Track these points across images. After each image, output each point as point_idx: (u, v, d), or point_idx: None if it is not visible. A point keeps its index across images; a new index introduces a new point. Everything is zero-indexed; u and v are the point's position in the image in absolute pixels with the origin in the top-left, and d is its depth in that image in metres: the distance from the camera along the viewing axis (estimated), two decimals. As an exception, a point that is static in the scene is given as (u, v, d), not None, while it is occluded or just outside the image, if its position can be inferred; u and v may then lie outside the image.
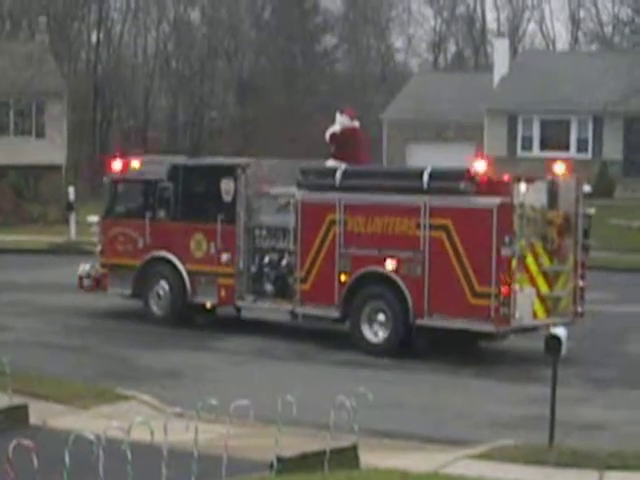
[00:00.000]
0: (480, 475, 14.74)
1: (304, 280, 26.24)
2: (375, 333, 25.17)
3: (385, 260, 24.90)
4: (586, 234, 25.71)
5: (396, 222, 24.98)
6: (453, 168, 26.22)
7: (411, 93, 71.67)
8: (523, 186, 24.30)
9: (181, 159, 34.24)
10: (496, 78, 66.17)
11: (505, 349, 25.28)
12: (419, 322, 24.54)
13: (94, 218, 31.69)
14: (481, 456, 16.22)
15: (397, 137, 68.60)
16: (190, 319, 28.56)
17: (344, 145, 28.39)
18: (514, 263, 23.65)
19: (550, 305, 24.62)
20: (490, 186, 24.18)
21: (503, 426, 18.22)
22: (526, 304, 23.97)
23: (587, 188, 26.15)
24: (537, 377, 19.96)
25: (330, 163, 27.83)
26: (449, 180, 25.09)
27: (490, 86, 65.21)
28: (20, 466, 10.56)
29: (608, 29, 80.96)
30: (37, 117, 63.61)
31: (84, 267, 30.37)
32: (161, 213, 28.80)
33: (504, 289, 23.33)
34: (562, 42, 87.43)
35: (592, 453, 15.59)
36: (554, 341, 16.48)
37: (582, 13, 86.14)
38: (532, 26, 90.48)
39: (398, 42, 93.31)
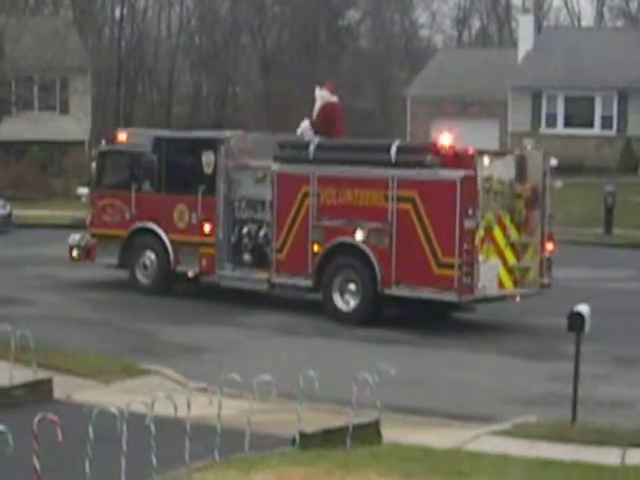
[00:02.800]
0: (503, 452, 14.75)
1: (280, 250, 26.99)
2: (346, 302, 25.91)
3: (356, 232, 25.56)
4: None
5: (366, 194, 25.72)
6: (420, 142, 26.91)
7: (435, 69, 71.46)
8: (487, 159, 25.09)
9: (165, 132, 35.45)
10: (520, 54, 65.91)
11: (527, 326, 25.26)
12: (387, 291, 25.23)
13: (84, 190, 32.37)
14: (503, 432, 16.22)
15: (421, 113, 68.40)
16: (173, 288, 29.29)
17: (323, 118, 29.03)
18: (478, 234, 24.30)
19: (518, 276, 25.55)
20: (455, 159, 24.78)
21: (525, 403, 18.21)
22: (490, 274, 24.73)
23: (554, 162, 26.65)
24: (559, 354, 19.93)
25: (304, 125, 28.73)
26: (416, 153, 25.92)
27: (514, 62, 64.96)
28: (44, 440, 10.61)
29: (633, 4, 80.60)
30: (61, 92, 63.69)
31: (74, 237, 31.02)
32: (146, 185, 29.51)
33: (467, 256, 24.00)
34: (587, 18, 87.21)
35: (615, 430, 15.57)
36: (577, 318, 16.46)
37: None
38: (557, 2, 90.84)
39: (422, 18, 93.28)
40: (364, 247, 25.57)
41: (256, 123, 61.75)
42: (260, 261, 27.75)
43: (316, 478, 12.62)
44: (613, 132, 60.17)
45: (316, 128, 28.74)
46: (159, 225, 28.94)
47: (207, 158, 28.36)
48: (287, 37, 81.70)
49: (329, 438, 14.69)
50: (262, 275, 27.63)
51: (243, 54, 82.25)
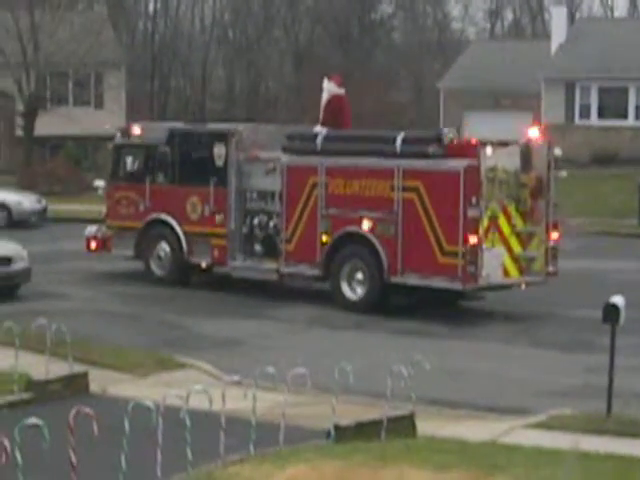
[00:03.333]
0: (537, 444, 14.72)
1: (289, 240, 27.52)
2: (354, 291, 26.44)
3: (362, 221, 26.14)
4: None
5: (372, 184, 26.26)
6: (424, 133, 27.84)
7: (468, 62, 71.33)
8: (490, 150, 25.53)
9: (178, 125, 35.11)
10: (553, 46, 65.69)
11: (559, 317, 25.19)
12: (393, 280, 25.79)
13: (100, 182, 32.90)
14: (538, 425, 16.20)
15: (454, 106, 68.32)
16: (188, 279, 29.67)
17: (330, 111, 29.33)
18: (482, 223, 24.82)
19: (524, 265, 26.07)
20: (459, 150, 25.46)
21: (560, 395, 18.16)
22: (495, 263, 25.25)
23: (558, 152, 26.89)
24: (594, 346, 19.87)
25: (317, 129, 28.75)
26: (420, 144, 26.20)
27: (547, 54, 64.75)
28: (81, 433, 10.66)
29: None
30: (96, 87, 63.96)
31: (90, 229, 31.57)
32: (160, 177, 30.05)
33: (471, 246, 24.45)
34: (620, 9, 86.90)
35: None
36: (612, 310, 16.41)
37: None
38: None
39: (455, 10, 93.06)
40: (371, 236, 26.03)
41: (289, 117, 61.75)
42: (270, 251, 28.14)
43: (351, 471, 12.62)
44: (647, 123, 60.05)
45: (324, 120, 29.10)
46: (173, 217, 29.38)
47: (219, 150, 28.83)
48: (320, 31, 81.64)
49: (364, 431, 14.70)
50: (272, 265, 28.03)
51: (276, 48, 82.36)
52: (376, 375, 15.86)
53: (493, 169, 25.51)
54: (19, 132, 59.02)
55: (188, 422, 12.22)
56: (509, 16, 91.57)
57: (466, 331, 24.26)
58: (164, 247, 29.45)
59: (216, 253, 28.79)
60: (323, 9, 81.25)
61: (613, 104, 60.83)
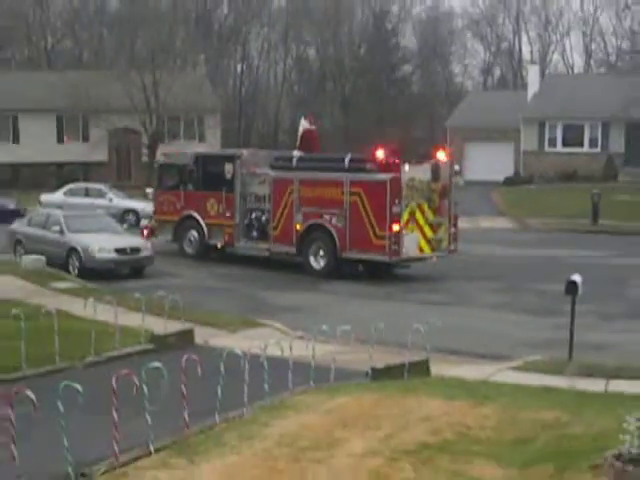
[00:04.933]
0: (516, 382, 14.68)
1: (275, 228, 28.86)
2: (318, 262, 27.77)
3: (323, 215, 27.56)
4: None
5: (329, 190, 27.54)
6: (363, 155, 28.19)
7: (467, 106, 70.88)
8: (407, 166, 26.55)
9: (201, 150, 38.08)
10: (529, 95, 65.22)
11: (532, 290, 25.06)
12: (344, 255, 27.17)
13: (150, 189, 34.92)
14: (517, 368, 16.14)
15: (457, 139, 67.84)
16: (209, 255, 30.78)
17: (304, 140, 31.26)
18: (403, 217, 26.06)
19: (434, 244, 27.21)
20: (386, 166, 26.37)
21: (533, 346, 18.09)
22: (412, 243, 26.57)
23: (457, 167, 29.22)
24: (558, 311, 19.72)
25: (294, 152, 30.35)
26: (361, 163, 27.30)
27: (525, 101, 64.24)
28: (189, 373, 10.73)
29: (612, 57, 79.45)
30: (199, 126, 64.10)
31: (144, 222, 34.52)
32: (189, 186, 31.35)
33: (394, 233, 25.89)
34: (578, 67, 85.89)
35: (601, 366, 15.43)
36: (573, 284, 16.35)
37: (593, 46, 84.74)
38: (556, 56, 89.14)
39: (457, 69, 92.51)
40: (328, 226, 27.39)
41: (337, 147, 61.46)
42: (263, 236, 29.40)
43: (382, 400, 12.63)
44: (598, 150, 59.49)
45: (299, 146, 31.01)
46: (198, 213, 30.79)
47: (228, 168, 30.28)
48: (360, 85, 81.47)
49: (392, 372, 14.75)
50: (264, 245, 29.33)
51: (328, 96, 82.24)
52: (401, 331, 15.82)
53: (412, 179, 26.57)
54: (145, 159, 59.22)
55: (266, 365, 12.26)
56: (497, 73, 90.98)
57: (464, 300, 24.18)
58: (193, 233, 30.96)
59: (227, 237, 30.22)
60: (362, 68, 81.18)
61: (572, 137, 60.39)
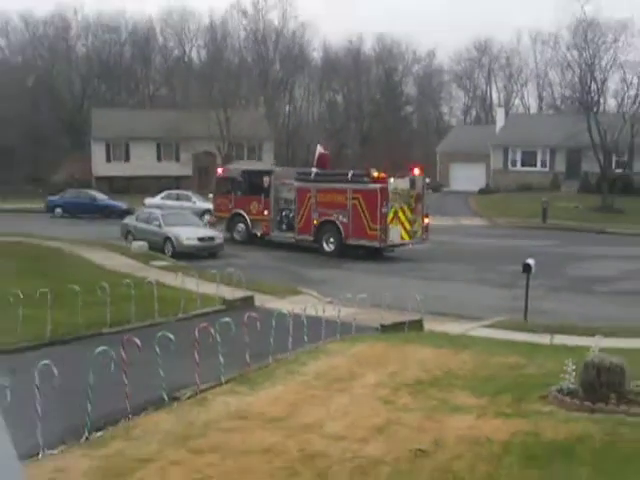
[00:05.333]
0: (487, 336, 14.63)
1: (299, 223, 29.19)
2: (329, 247, 28.21)
3: (333, 214, 27.93)
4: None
5: (337, 196, 27.87)
6: (362, 171, 28.82)
7: (452, 137, 70.33)
8: (392, 179, 27.04)
9: (246, 167, 37.77)
10: (497, 128, 64.63)
11: (497, 270, 24.90)
12: (347, 242, 27.64)
13: (210, 195, 34.95)
14: (487, 326, 16.08)
15: (444, 161, 67.44)
16: (252, 240, 30.79)
17: (319, 160, 31.38)
18: (390, 215, 26.74)
19: (412, 234, 27.74)
20: (377, 180, 26.91)
21: (499, 311, 17.96)
22: (396, 233, 27.16)
23: (427, 180, 29.40)
24: (517, 285, 19.59)
25: (312, 169, 30.42)
26: (359, 176, 27.70)
27: (494, 132, 63.65)
28: (250, 327, 10.77)
29: (558, 101, 78.62)
30: (258, 150, 64.04)
31: (206, 217, 35.04)
32: (238, 192, 31.48)
33: (383, 226, 26.57)
34: (533, 109, 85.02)
35: (548, 325, 15.34)
36: (527, 265, 16.26)
37: (544, 93, 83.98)
38: (517, 101, 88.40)
39: (445, 110, 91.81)
40: (336, 221, 27.81)
41: (358, 167, 61.24)
42: (290, 228, 29.69)
43: (389, 347, 12.62)
44: (547, 169, 58.90)
45: (315, 165, 31.09)
46: (244, 211, 30.94)
47: (266, 179, 30.58)
48: (374, 122, 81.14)
49: (396, 327, 14.73)
50: (291, 235, 29.58)
51: (350, 131, 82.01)
52: (404, 298, 15.80)
53: (395, 188, 27.09)
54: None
55: (305, 322, 12.29)
56: (474, 112, 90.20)
57: (449, 277, 24.05)
58: (241, 226, 31.14)
59: (264, 228, 30.42)
60: (376, 110, 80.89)
61: (528, 159, 59.78)
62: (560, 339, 13.84)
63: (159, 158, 61.87)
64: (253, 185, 30.91)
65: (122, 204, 43.02)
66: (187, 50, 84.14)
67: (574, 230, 39.29)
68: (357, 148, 79.13)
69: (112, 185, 57.66)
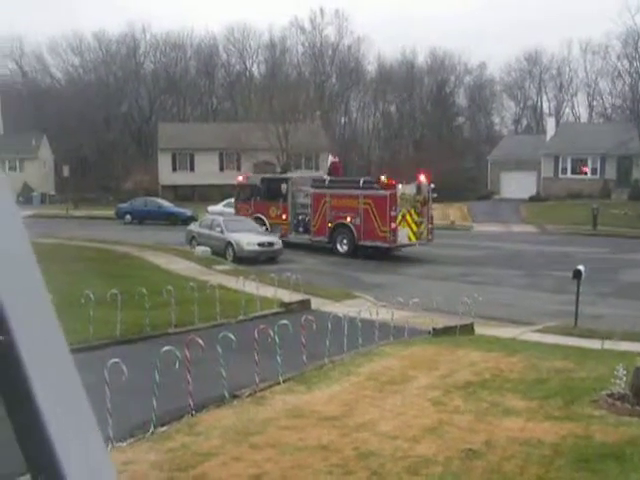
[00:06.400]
0: (537, 341, 14.38)
1: (314, 225, 30.04)
2: (342, 248, 29.00)
3: (346, 217, 28.76)
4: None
5: (350, 201, 28.67)
6: (372, 178, 30.20)
7: (503, 145, 69.31)
8: (401, 185, 28.01)
9: (266, 174, 38.82)
10: (548, 137, 63.56)
11: (549, 275, 24.44)
12: (359, 243, 28.42)
13: (231, 200, 35.76)
14: (537, 330, 15.82)
15: (495, 169, 66.46)
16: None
17: (332, 169, 32.92)
18: (398, 218, 27.58)
19: (418, 235, 28.53)
20: (387, 186, 27.89)
21: (549, 315, 17.66)
22: (404, 235, 28.01)
23: (432, 185, 29.48)
24: (566, 290, 19.20)
25: (325, 176, 31.90)
26: (370, 183, 28.71)
27: (544, 141, 62.56)
28: (307, 330, 10.77)
29: (609, 110, 77.00)
30: (315, 160, 64.19)
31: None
32: (257, 198, 32.11)
33: (392, 228, 27.41)
34: (583, 118, 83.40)
35: (598, 331, 15.02)
36: (578, 272, 15.92)
37: (594, 103, 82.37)
38: (567, 110, 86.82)
39: (496, 120, 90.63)
40: (349, 224, 28.64)
41: (410, 173, 60.85)
42: (306, 231, 30.43)
43: (440, 350, 12.50)
44: (597, 176, 57.65)
45: (328, 172, 32.71)
46: (264, 215, 31.57)
47: (284, 186, 31.33)
48: (427, 132, 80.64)
49: (447, 331, 14.58)
50: (307, 237, 30.32)
51: (404, 140, 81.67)
52: (454, 302, 15.63)
53: (403, 194, 27.97)
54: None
55: (360, 325, 12.25)
56: (524, 122, 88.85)
57: (501, 282, 23.71)
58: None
59: (283, 231, 30.83)
60: (428, 120, 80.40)
61: (578, 167, 58.68)
62: (610, 344, 13.51)
63: (222, 168, 62.56)
64: (272, 191, 31.85)
65: (187, 211, 43.58)
66: (248, 65, 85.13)
67: (624, 237, 38.35)
68: (410, 157, 78.82)
69: (177, 193, 58.56)
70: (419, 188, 28.79)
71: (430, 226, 29.02)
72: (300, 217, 30.99)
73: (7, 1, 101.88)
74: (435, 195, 29.98)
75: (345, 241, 28.95)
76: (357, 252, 28.38)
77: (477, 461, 6.92)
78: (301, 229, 30.82)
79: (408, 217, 28.14)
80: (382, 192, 27.75)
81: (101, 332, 13.55)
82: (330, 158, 34.13)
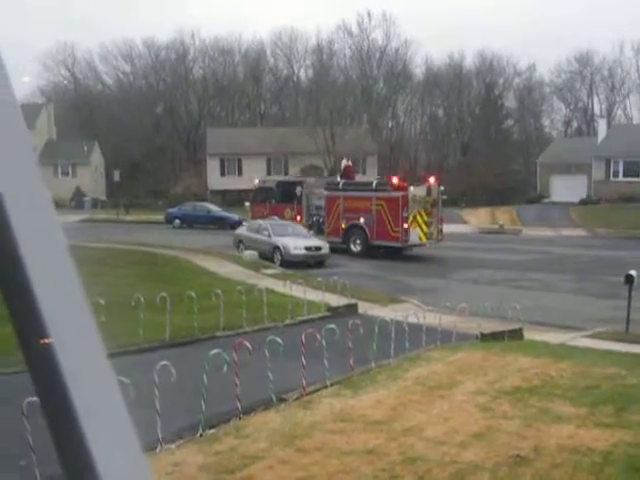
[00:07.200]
0: (587, 346, 14.14)
1: (328, 227, 31.02)
2: (356, 248, 29.90)
3: (359, 218, 29.67)
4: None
5: (363, 203, 29.59)
6: (384, 179, 31.53)
7: (552, 149, 68.30)
8: (412, 188, 29.02)
9: (281, 177, 40.64)
10: (599, 140, 62.44)
11: (598, 279, 23.98)
12: (372, 243, 29.39)
13: (247, 203, 36.69)
14: (587, 336, 15.57)
15: (545, 173, 65.51)
16: None
17: (345, 172, 33.89)
18: (409, 219, 28.45)
19: (428, 236, 29.31)
20: (399, 187, 28.83)
21: (599, 321, 17.33)
22: (415, 235, 28.84)
23: (442, 188, 30.59)
24: (618, 295, 18.82)
25: (338, 179, 33.18)
26: (383, 185, 29.89)
27: (595, 144, 61.44)
28: (354, 334, 10.79)
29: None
30: (362, 164, 64.15)
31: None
32: (273, 200, 33.31)
33: (404, 229, 28.29)
34: (636, 119, 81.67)
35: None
36: (630, 276, 15.64)
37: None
38: (619, 112, 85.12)
39: (546, 122, 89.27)
40: (363, 225, 29.54)
41: (460, 181, 60.21)
42: (321, 231, 30.98)
43: (488, 355, 12.38)
44: (649, 179, 56.70)
45: (341, 175, 33.86)
46: (279, 217, 31.64)
47: (299, 188, 32.51)
48: (475, 135, 79.89)
49: (495, 336, 14.45)
50: (321, 238, 29.99)
51: (452, 143, 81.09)
52: (503, 307, 15.47)
53: (414, 195, 28.87)
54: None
55: (407, 329, 12.22)
56: (575, 124, 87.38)
57: (550, 287, 23.33)
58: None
59: None
60: (476, 123, 79.65)
61: (631, 170, 57.47)
62: (664, 351, 13.22)
63: (269, 172, 62.94)
64: (287, 194, 32.96)
65: (234, 215, 43.95)
66: (295, 69, 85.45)
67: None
68: (458, 160, 78.21)
69: (225, 198, 59.12)
70: (429, 190, 29.70)
71: (440, 226, 29.89)
72: (314, 219, 32.11)
73: (58, 9, 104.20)
74: (445, 197, 30.99)
75: (358, 241, 29.89)
76: (369, 251, 29.37)
77: (525, 468, 6.85)
78: (315, 230, 31.45)
79: (419, 218, 29.01)
80: (394, 194, 28.65)
81: (151, 335, 13.76)
82: (344, 162, 35.33)
